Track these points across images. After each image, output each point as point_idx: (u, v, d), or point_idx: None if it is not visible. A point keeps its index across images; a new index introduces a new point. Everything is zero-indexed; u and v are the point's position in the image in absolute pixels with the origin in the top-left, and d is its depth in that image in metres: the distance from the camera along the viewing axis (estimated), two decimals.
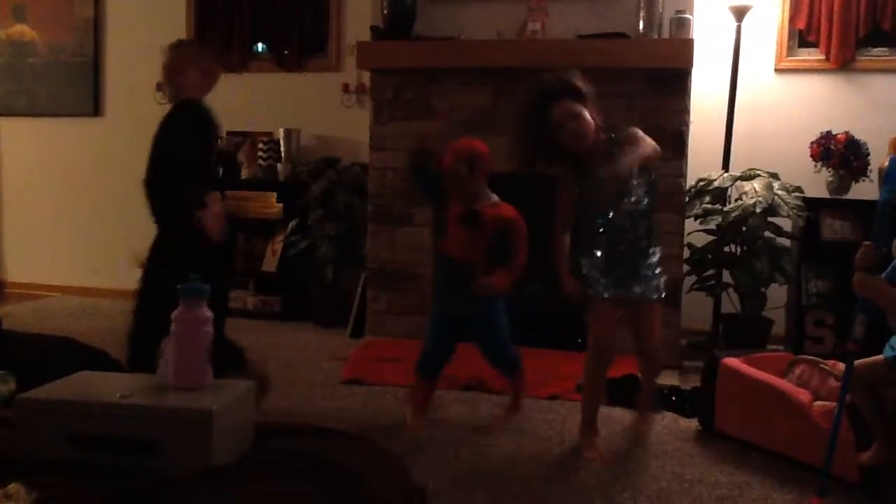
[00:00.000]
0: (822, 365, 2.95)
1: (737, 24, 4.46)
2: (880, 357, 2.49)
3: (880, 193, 2.44)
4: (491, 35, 4.42)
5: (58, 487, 1.53)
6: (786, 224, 4.31)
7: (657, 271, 2.97)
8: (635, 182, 2.89)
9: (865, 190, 4.22)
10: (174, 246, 2.99)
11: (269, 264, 5.29)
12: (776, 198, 4.16)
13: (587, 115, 2.87)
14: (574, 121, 2.85)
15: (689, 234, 4.33)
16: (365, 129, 4.65)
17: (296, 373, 3.93)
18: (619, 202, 2.90)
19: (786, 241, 4.36)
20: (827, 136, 4.31)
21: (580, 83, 2.89)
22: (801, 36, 4.65)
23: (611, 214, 2.91)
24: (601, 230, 2.93)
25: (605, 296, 2.90)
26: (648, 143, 2.86)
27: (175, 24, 5.54)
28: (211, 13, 5.53)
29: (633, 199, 2.91)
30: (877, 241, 2.42)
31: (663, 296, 3.01)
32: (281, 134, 5.31)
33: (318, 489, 1.65)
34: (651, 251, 2.96)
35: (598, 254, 2.93)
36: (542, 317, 4.18)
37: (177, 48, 3.22)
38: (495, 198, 3.17)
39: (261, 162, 5.37)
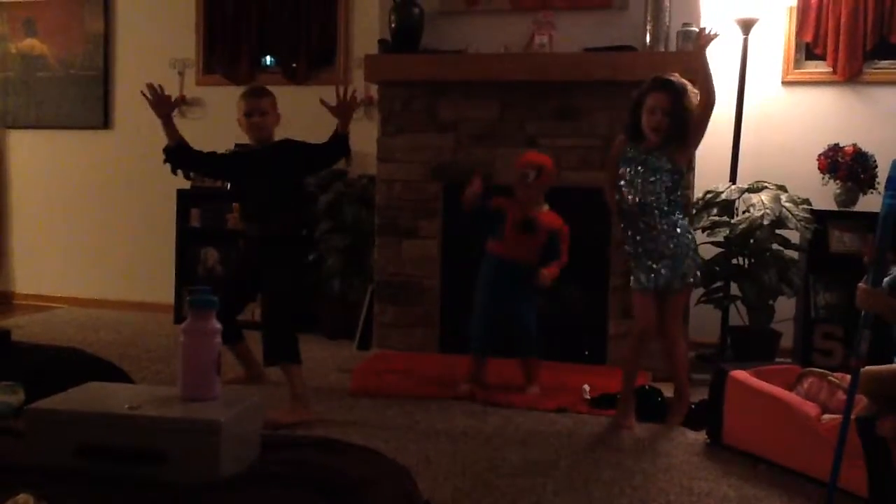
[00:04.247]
0: (830, 378, 2.94)
1: (743, 36, 4.46)
2: (893, 367, 2.47)
3: (883, 199, 2.42)
4: (498, 49, 4.43)
5: (66, 498, 1.54)
6: (794, 236, 4.29)
7: (682, 257, 3.32)
8: (661, 168, 3.28)
9: (873, 202, 4.21)
10: (296, 250, 3.70)
11: None
12: (784, 210, 4.15)
13: (667, 115, 3.25)
14: (653, 113, 3.26)
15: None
16: (373, 142, 4.67)
17: None
18: (642, 182, 3.29)
19: (794, 254, 4.35)
20: (834, 149, 4.31)
21: (679, 86, 3.28)
22: (808, 49, 4.65)
23: (636, 195, 3.30)
24: (629, 212, 3.34)
25: (639, 286, 3.34)
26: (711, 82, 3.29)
27: (184, 37, 5.59)
28: (220, 26, 5.57)
29: (652, 179, 3.28)
30: (880, 248, 2.40)
31: (690, 281, 3.40)
32: None
33: (324, 500, 1.65)
34: (673, 238, 3.30)
35: (630, 236, 3.36)
36: (550, 330, 4.18)
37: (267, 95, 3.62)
38: (546, 207, 3.73)
39: None
